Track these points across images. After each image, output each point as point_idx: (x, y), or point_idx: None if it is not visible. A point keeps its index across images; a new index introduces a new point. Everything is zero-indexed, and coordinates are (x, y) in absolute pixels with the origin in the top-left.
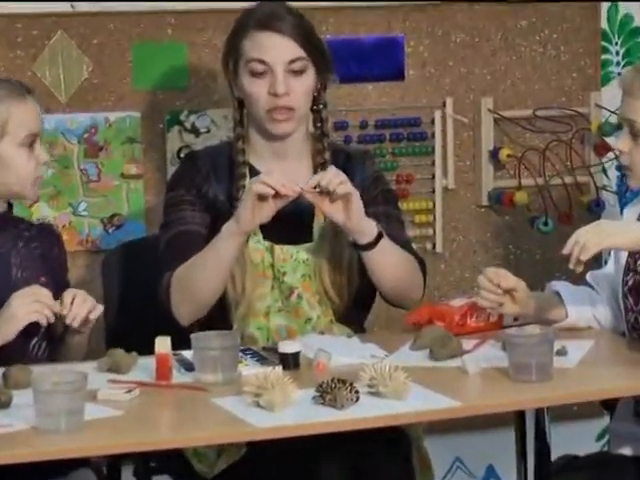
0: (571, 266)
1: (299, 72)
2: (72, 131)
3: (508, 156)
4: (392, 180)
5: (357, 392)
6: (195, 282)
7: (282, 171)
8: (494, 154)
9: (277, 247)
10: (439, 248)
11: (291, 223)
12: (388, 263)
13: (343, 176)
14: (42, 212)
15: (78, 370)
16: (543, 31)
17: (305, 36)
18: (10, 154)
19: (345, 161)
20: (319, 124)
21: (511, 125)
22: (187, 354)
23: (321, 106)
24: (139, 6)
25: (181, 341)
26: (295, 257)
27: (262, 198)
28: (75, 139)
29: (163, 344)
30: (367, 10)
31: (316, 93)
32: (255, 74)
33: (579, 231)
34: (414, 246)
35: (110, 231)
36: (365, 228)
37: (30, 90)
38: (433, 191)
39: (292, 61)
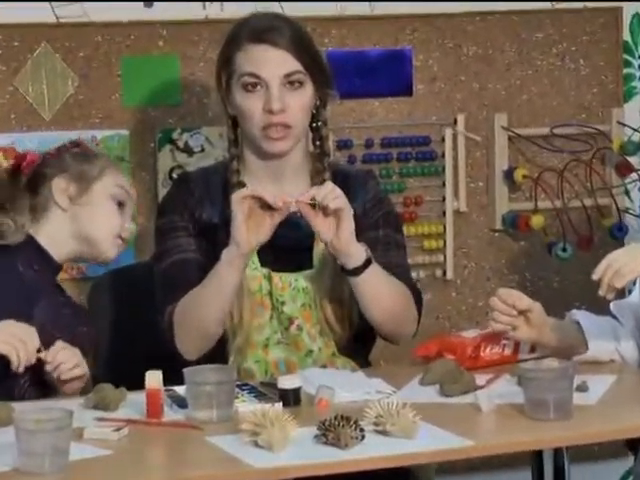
0: (602, 293)
1: (296, 87)
2: None
3: (524, 177)
4: (399, 202)
5: (362, 430)
6: (199, 315)
7: (279, 192)
8: (509, 175)
9: (275, 274)
10: (450, 275)
11: (290, 249)
12: (377, 292)
13: (339, 192)
14: None
15: (63, 407)
16: (561, 43)
17: (302, 49)
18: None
19: (345, 182)
20: (318, 142)
21: (527, 144)
22: (180, 389)
23: (320, 123)
24: (128, 16)
25: (173, 376)
26: (294, 285)
27: (255, 215)
28: None
29: (154, 379)
30: (372, 21)
31: (315, 110)
32: (249, 89)
33: (612, 255)
34: (421, 273)
35: None
36: (353, 251)
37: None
38: (443, 214)
39: (288, 75)
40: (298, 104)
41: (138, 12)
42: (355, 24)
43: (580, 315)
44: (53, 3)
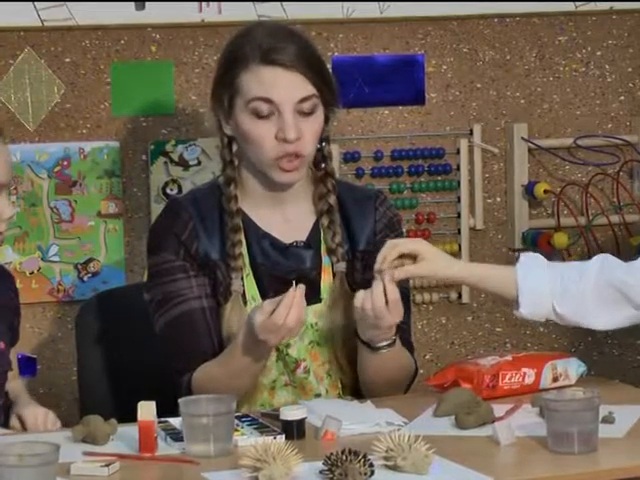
0: None
1: (309, 113)
2: (41, 164)
3: (545, 192)
4: (411, 219)
5: (371, 466)
6: (231, 385)
7: (282, 219)
8: (529, 189)
9: None
10: (466, 298)
11: (294, 282)
12: (385, 366)
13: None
14: (6, 257)
15: (48, 440)
16: (585, 48)
17: (315, 68)
18: None
19: (352, 206)
20: (322, 164)
21: (548, 156)
22: (175, 421)
23: (324, 143)
24: (119, 19)
25: (167, 407)
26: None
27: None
28: (44, 173)
29: (147, 410)
30: (382, 24)
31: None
32: (260, 115)
33: None
34: (435, 296)
35: (85, 279)
36: (389, 333)
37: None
38: (459, 232)
39: (302, 100)
40: (311, 132)
41: (129, 15)
42: (363, 27)
43: (526, 258)
44: (37, 5)
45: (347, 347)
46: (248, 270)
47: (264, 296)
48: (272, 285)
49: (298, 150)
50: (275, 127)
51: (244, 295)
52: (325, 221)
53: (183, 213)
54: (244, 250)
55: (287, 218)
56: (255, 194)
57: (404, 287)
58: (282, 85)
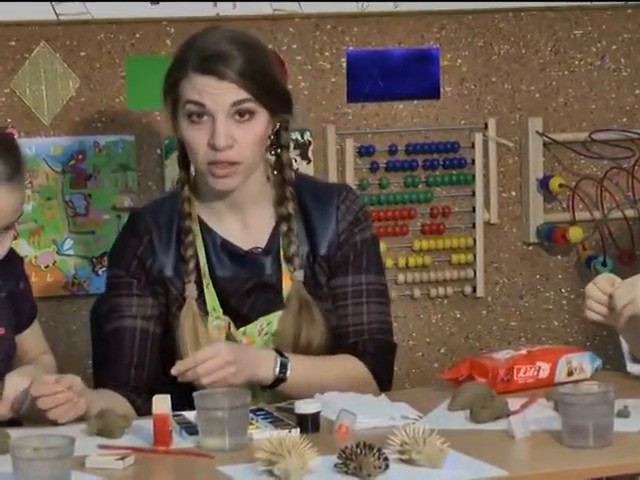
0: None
1: (246, 118)
2: (56, 157)
3: (560, 186)
4: (426, 213)
5: (386, 459)
6: None
7: (242, 224)
8: (544, 184)
9: (237, 332)
10: (480, 292)
11: (255, 290)
12: (308, 388)
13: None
14: (21, 250)
15: (63, 434)
16: (600, 42)
17: (252, 77)
18: None
19: (314, 207)
20: (280, 170)
21: (563, 150)
22: (189, 415)
23: (281, 149)
24: (133, 13)
25: (183, 400)
26: (266, 330)
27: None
28: (59, 166)
29: (162, 404)
30: (396, 17)
31: (273, 135)
32: (194, 120)
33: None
34: (450, 290)
35: (100, 272)
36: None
37: (13, 174)
38: (473, 226)
39: (235, 104)
40: (247, 138)
41: (144, 9)
42: (378, 21)
43: None
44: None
45: (310, 354)
46: (208, 280)
47: (224, 306)
48: (232, 295)
49: (230, 158)
50: (208, 134)
51: (205, 306)
52: (283, 228)
53: (141, 226)
54: (203, 260)
55: (246, 223)
56: (212, 200)
57: (382, 277)
58: (214, 92)
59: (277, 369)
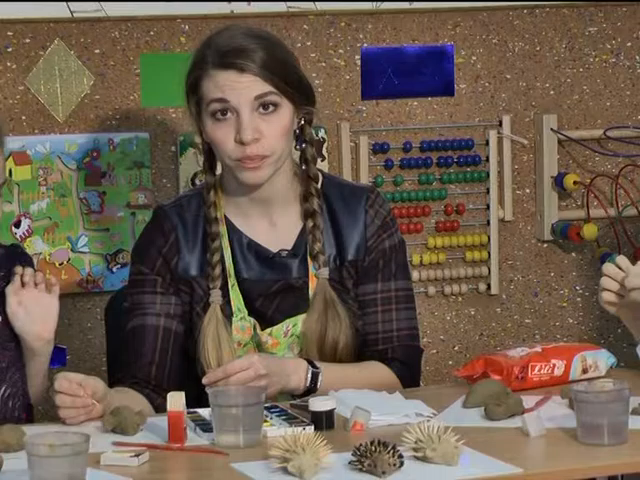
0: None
1: (270, 110)
2: (70, 154)
3: (575, 183)
4: (440, 211)
5: (401, 457)
6: None
7: (269, 223)
8: (558, 181)
9: (263, 333)
10: (494, 289)
11: (280, 292)
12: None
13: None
14: (36, 247)
15: (78, 431)
16: (615, 38)
17: (274, 69)
18: None
19: (341, 209)
20: (304, 166)
21: (578, 147)
22: (204, 412)
23: (305, 145)
24: (148, 11)
25: (197, 398)
26: (291, 332)
27: None
28: (74, 164)
29: (176, 401)
30: (411, 15)
31: (298, 130)
32: (218, 117)
33: None
34: (464, 287)
35: (114, 270)
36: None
37: None
38: (488, 224)
39: (259, 97)
40: (274, 130)
41: (158, 6)
42: (392, 19)
43: None
44: None
45: (334, 355)
46: (233, 281)
47: (249, 307)
48: (257, 297)
49: (258, 152)
50: (234, 130)
51: (230, 306)
52: (309, 224)
53: (167, 224)
54: (229, 260)
55: (273, 222)
56: (239, 199)
57: (409, 282)
58: (237, 86)
59: (308, 381)
